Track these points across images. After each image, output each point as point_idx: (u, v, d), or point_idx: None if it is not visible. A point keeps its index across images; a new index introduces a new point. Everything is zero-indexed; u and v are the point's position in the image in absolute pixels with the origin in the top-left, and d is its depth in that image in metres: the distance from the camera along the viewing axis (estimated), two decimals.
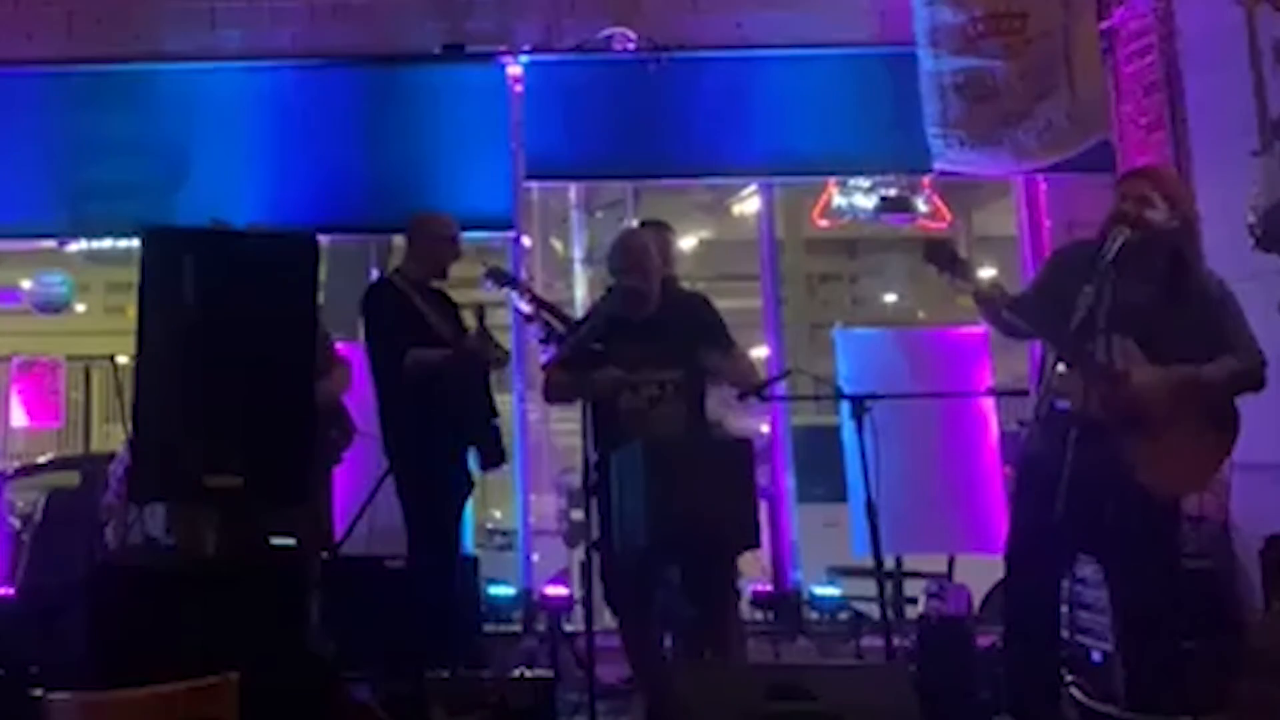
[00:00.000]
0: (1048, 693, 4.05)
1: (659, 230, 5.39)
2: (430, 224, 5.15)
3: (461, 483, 5.02)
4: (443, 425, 4.78)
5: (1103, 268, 3.78)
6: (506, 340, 6.47)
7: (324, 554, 4.77)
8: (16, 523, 6.03)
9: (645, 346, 4.49)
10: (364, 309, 5.00)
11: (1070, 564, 4.06)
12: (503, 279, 5.03)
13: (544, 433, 7.95)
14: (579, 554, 5.89)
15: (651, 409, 4.44)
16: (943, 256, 4.02)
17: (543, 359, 4.86)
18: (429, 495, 4.83)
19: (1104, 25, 6.16)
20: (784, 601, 6.20)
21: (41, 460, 7.60)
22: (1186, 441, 3.81)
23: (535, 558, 6.43)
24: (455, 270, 5.22)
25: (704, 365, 4.51)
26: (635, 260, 4.61)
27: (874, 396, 4.29)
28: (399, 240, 5.83)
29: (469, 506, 5.43)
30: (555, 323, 4.75)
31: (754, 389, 4.67)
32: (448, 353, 4.83)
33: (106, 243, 6.80)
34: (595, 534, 4.46)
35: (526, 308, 4.98)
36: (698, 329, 4.58)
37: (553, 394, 4.78)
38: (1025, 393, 4.31)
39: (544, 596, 5.96)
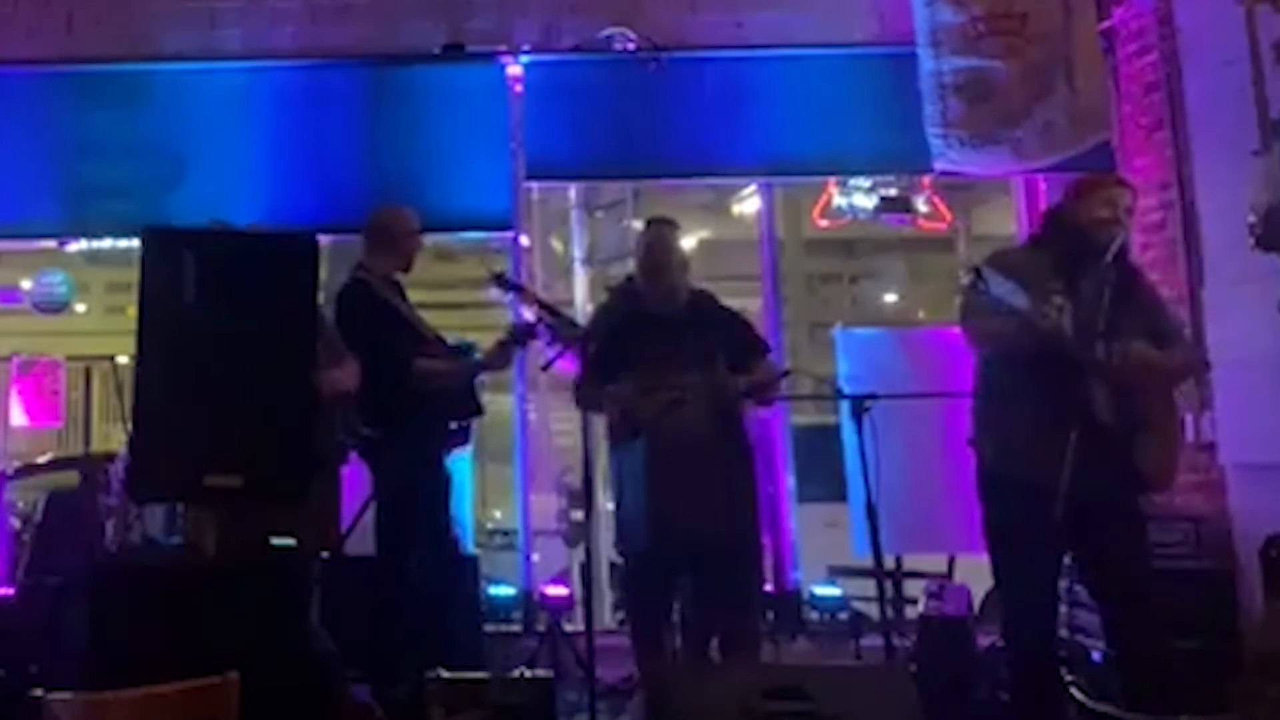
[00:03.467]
0: (1050, 694, 4.05)
1: (671, 229, 5.38)
2: (396, 219, 5.11)
3: (446, 478, 5.03)
4: (429, 427, 4.79)
5: (1103, 270, 3.80)
6: None
7: (325, 554, 4.76)
8: (16, 523, 6.03)
9: (671, 346, 4.48)
10: (342, 312, 4.94)
11: (1060, 561, 4.07)
12: (507, 285, 5.02)
13: (544, 433, 7.94)
14: (579, 554, 5.89)
15: (674, 411, 4.42)
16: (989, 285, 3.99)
17: (544, 360, 4.86)
18: (418, 491, 4.82)
19: (1104, 25, 6.16)
20: (784, 601, 6.20)
21: (41, 460, 7.57)
22: (1172, 435, 3.91)
23: (535, 558, 6.43)
24: (456, 270, 5.22)
25: (738, 380, 4.49)
26: (656, 257, 4.62)
27: (874, 396, 4.30)
28: None
29: (468, 506, 5.43)
30: (560, 325, 4.74)
31: (756, 391, 4.67)
32: (453, 367, 4.86)
33: (106, 243, 6.80)
34: (607, 536, 4.47)
35: (530, 315, 4.98)
36: (729, 332, 4.57)
37: (580, 404, 4.76)
38: None
39: (544, 596, 5.97)
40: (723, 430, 4.46)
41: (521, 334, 4.93)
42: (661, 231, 4.79)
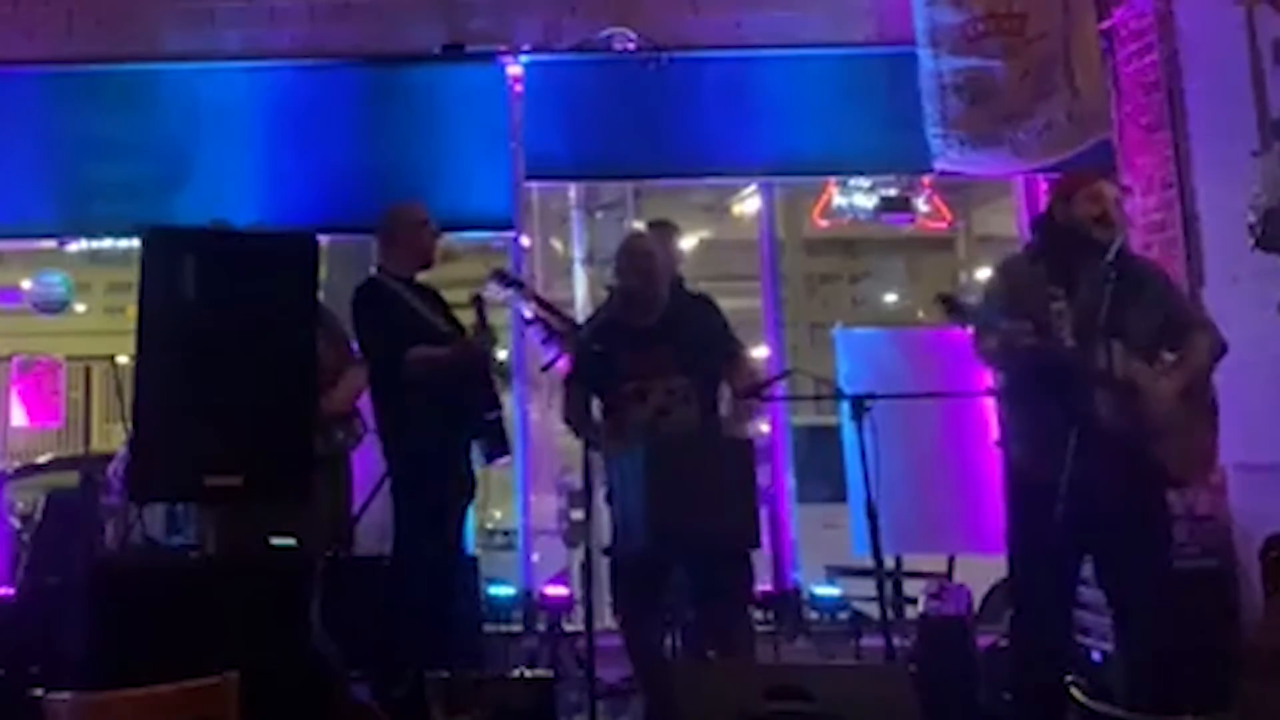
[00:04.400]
0: (1052, 696, 4.04)
1: (664, 231, 5.38)
2: (404, 214, 5.08)
3: (464, 481, 5.00)
4: (443, 422, 4.77)
5: (1104, 271, 3.79)
6: (506, 340, 6.48)
7: (332, 552, 4.75)
8: (16, 523, 6.03)
9: (652, 353, 4.49)
10: (356, 308, 4.95)
11: (1079, 570, 4.04)
12: (507, 281, 5.01)
13: (544, 433, 7.94)
14: (579, 554, 5.89)
15: (661, 418, 4.44)
16: (957, 309, 4.01)
17: (544, 360, 4.85)
18: (428, 493, 4.81)
19: (1104, 25, 6.15)
20: (784, 601, 6.20)
21: (41, 460, 7.59)
22: (1197, 428, 3.89)
23: (535, 558, 6.43)
24: (456, 270, 5.21)
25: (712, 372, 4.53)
26: (637, 265, 4.63)
27: (874, 396, 4.30)
28: None
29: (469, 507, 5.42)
30: (558, 324, 4.74)
31: (755, 389, 4.68)
32: (449, 350, 4.83)
33: (106, 243, 6.80)
34: (606, 537, 4.47)
35: (529, 312, 4.97)
36: (705, 335, 4.59)
37: (567, 422, 4.78)
38: None
39: (544, 596, 5.97)
40: (714, 428, 4.49)
41: (505, 278, 4.90)
42: (642, 239, 4.80)
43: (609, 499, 4.54)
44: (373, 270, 5.06)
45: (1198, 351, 3.94)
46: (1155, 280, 4.07)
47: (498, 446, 5.04)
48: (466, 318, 5.18)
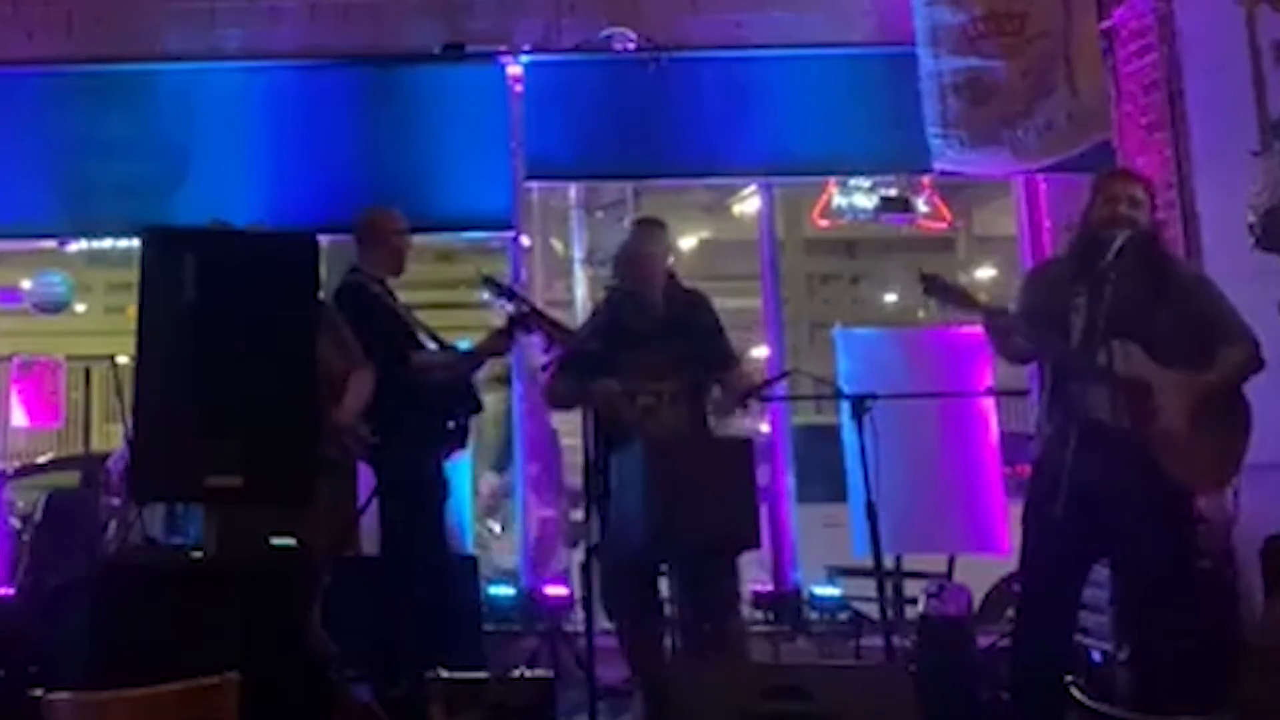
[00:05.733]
0: (1052, 695, 4.04)
1: (658, 231, 5.37)
2: (386, 218, 5.09)
3: (439, 482, 5.00)
4: (424, 424, 4.78)
5: (1104, 270, 3.78)
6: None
7: (341, 556, 4.74)
8: (16, 523, 6.03)
9: (646, 355, 4.49)
10: (343, 309, 4.90)
11: (1086, 572, 4.01)
12: (498, 289, 4.96)
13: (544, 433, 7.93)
14: (579, 554, 5.89)
15: (648, 418, 4.44)
16: (939, 288, 4.02)
17: (543, 361, 4.85)
18: (415, 494, 4.81)
19: (1104, 25, 6.16)
20: (784, 601, 6.20)
21: (41, 460, 7.59)
22: (1215, 439, 3.84)
23: None
24: (455, 271, 5.20)
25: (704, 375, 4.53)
26: (638, 267, 4.63)
27: (874, 396, 4.30)
28: None
29: (467, 507, 5.43)
30: (551, 330, 4.73)
31: (750, 392, 4.68)
32: (451, 357, 4.84)
33: (106, 243, 6.80)
34: (596, 537, 4.46)
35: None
36: (700, 342, 4.58)
37: (552, 400, 4.79)
38: (1025, 393, 4.30)
39: (544, 596, 5.97)
40: (705, 429, 4.49)
41: (521, 319, 4.89)
42: (644, 241, 4.79)
43: (598, 496, 4.52)
44: (352, 271, 5.03)
45: (1224, 363, 3.85)
46: (1185, 281, 4.02)
47: (457, 446, 5.06)
48: (434, 319, 5.17)
